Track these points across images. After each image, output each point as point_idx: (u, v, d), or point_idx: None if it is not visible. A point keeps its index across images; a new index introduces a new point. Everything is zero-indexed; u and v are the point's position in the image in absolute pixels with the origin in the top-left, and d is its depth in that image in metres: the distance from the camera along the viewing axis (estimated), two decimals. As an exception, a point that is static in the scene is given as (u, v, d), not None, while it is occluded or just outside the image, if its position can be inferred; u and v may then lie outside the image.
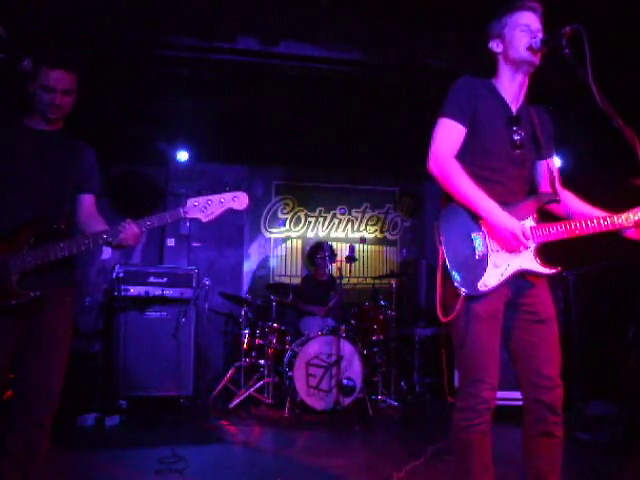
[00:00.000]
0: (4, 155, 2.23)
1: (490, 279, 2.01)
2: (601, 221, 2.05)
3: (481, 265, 2.03)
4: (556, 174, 2.23)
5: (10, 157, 2.23)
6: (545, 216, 2.16)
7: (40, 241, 2.16)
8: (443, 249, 2.06)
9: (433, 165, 2.08)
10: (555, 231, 2.06)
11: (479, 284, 2.00)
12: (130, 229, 2.20)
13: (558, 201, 2.16)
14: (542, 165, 2.26)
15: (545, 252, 2.11)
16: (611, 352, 4.65)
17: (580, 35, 1.87)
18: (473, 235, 2.07)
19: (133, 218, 2.23)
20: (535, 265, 2.06)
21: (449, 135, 2.10)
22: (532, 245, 2.06)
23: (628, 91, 4.21)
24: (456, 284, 2.01)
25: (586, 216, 2.09)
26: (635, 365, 4.25)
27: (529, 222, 2.08)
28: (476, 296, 2.00)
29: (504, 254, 2.05)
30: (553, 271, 2.07)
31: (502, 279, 2.02)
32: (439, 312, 2.07)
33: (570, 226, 2.05)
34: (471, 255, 2.05)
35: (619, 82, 4.08)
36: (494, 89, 2.17)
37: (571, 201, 2.23)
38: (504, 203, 2.05)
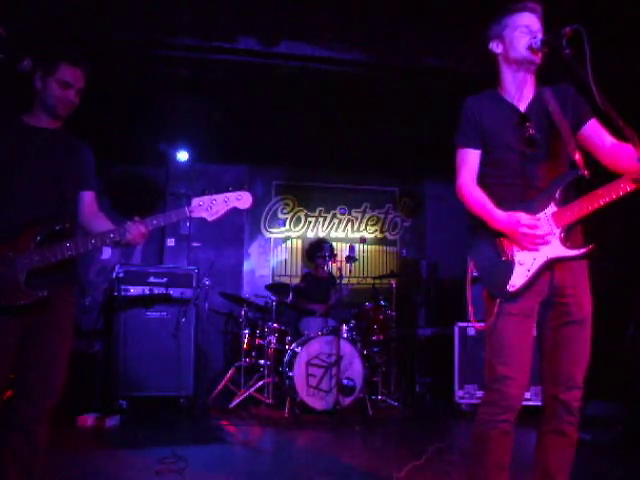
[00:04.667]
0: (5, 153, 2.23)
1: (517, 278, 2.04)
2: (620, 184, 1.95)
3: (509, 267, 2.06)
4: (600, 134, 2.12)
5: (11, 155, 2.24)
6: (572, 195, 2.08)
7: (46, 241, 2.16)
8: (473, 260, 2.16)
9: (458, 194, 2.22)
10: (577, 209, 2.02)
11: (508, 286, 2.03)
12: (137, 228, 2.21)
13: (582, 175, 2.04)
14: (583, 133, 2.15)
15: (575, 233, 2.09)
16: (611, 352, 4.65)
17: (580, 35, 1.87)
18: (497, 240, 2.11)
19: (133, 218, 2.24)
20: (562, 250, 2.03)
21: (464, 163, 2.21)
22: (557, 231, 2.04)
23: (628, 91, 4.21)
24: (490, 290, 2.09)
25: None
26: (635, 365, 4.25)
27: (550, 209, 2.06)
28: (508, 297, 2.04)
29: (527, 251, 2.06)
30: (583, 251, 2.03)
31: (529, 275, 2.03)
32: (471, 319, 2.17)
33: (590, 200, 2.00)
34: (498, 259, 2.09)
35: (619, 82, 4.08)
36: (498, 96, 2.19)
37: (626, 152, 2.02)
38: (531, 200, 2.08)
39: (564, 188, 2.07)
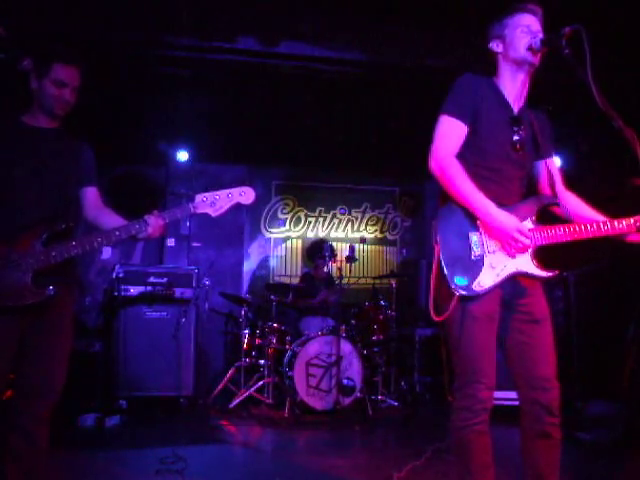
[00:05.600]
0: (5, 153, 2.23)
1: (485, 280, 2.01)
2: (601, 225, 2.04)
3: (477, 265, 2.02)
4: (557, 175, 2.22)
5: (12, 155, 2.24)
6: (545, 218, 2.15)
7: (50, 240, 2.16)
8: (439, 248, 2.05)
9: (434, 163, 2.06)
10: (554, 234, 2.05)
11: (474, 284, 2.00)
12: (157, 221, 2.23)
13: (558, 204, 2.14)
14: (541, 165, 2.25)
15: (546, 253, 2.11)
16: (611, 352, 4.65)
17: (580, 35, 1.87)
18: (470, 235, 2.06)
19: (133, 218, 2.24)
20: (532, 267, 2.05)
21: (450, 133, 2.09)
22: (528, 242, 2.04)
23: (628, 91, 4.21)
24: (451, 284, 2.01)
25: (587, 220, 2.09)
26: (635, 365, 4.25)
27: (527, 224, 2.07)
28: (471, 296, 2.00)
29: (501, 255, 2.04)
30: (550, 274, 2.06)
31: (498, 280, 2.02)
32: (432, 311, 2.07)
33: (569, 229, 2.05)
34: (467, 255, 2.04)
35: (619, 82, 4.08)
36: (496, 88, 2.17)
37: (573, 203, 2.21)
38: (501, 204, 2.03)
39: (540, 209, 2.10)
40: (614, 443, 3.86)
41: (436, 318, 2.04)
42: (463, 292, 2.00)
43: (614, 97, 1.92)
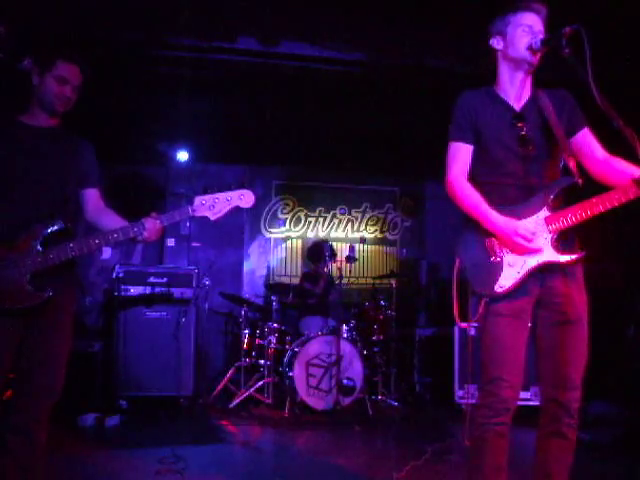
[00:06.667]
0: (4, 153, 2.23)
1: (505, 280, 2.04)
2: (612, 194, 1.96)
3: (497, 268, 2.06)
4: (594, 144, 2.13)
5: (10, 155, 2.23)
6: (565, 202, 2.09)
7: (48, 241, 2.16)
8: (460, 260, 2.14)
9: (447, 188, 2.19)
10: (571, 215, 2.02)
11: (496, 287, 2.03)
12: (155, 224, 2.22)
13: (578, 182, 2.05)
14: (577, 140, 2.15)
15: (567, 236, 2.07)
16: (611, 352, 4.65)
17: (580, 35, 1.87)
18: (487, 241, 2.10)
19: (133, 219, 2.24)
20: (554, 255, 2.03)
21: (457, 158, 2.19)
22: (548, 236, 2.04)
23: (628, 91, 4.21)
24: (477, 289, 2.07)
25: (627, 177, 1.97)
26: (635, 365, 4.25)
27: (543, 213, 2.06)
28: (495, 298, 2.04)
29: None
30: (574, 257, 2.03)
31: (518, 277, 2.03)
32: (456, 317, 2.13)
33: (583, 207, 2.00)
34: (487, 260, 2.09)
35: (619, 82, 4.08)
36: (494, 94, 2.19)
37: (618, 168, 2.06)
38: (523, 201, 2.08)
39: (557, 194, 2.07)
40: (614, 443, 3.87)
41: (462, 324, 2.09)
42: (486, 294, 2.05)
43: (614, 97, 1.92)
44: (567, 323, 2.05)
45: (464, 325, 2.10)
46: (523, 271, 2.03)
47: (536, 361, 2.13)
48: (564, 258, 2.03)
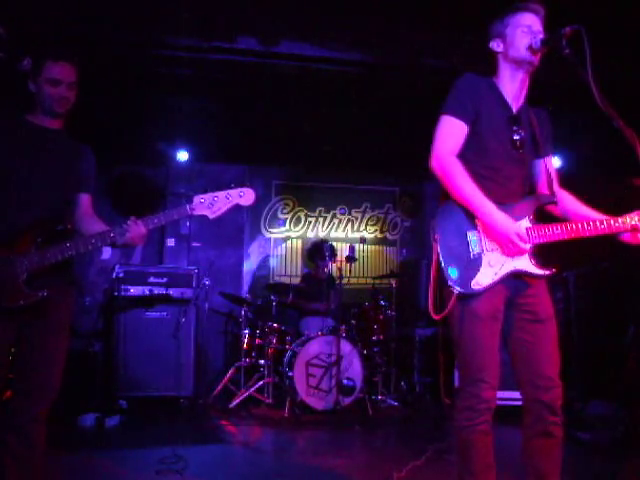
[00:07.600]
0: (7, 152, 2.23)
1: (483, 278, 2.02)
2: (598, 224, 2.04)
3: (475, 264, 2.03)
4: (554, 174, 2.23)
5: (13, 154, 2.23)
6: (542, 217, 2.15)
7: (46, 242, 2.16)
8: (438, 246, 2.06)
9: (435, 163, 2.08)
10: (551, 232, 2.05)
11: (472, 283, 2.01)
12: (136, 228, 2.18)
13: (556, 202, 2.15)
14: (540, 164, 2.25)
15: (544, 252, 2.11)
16: (611, 352, 4.65)
17: (580, 35, 1.87)
18: (469, 234, 2.06)
19: (134, 218, 2.23)
20: (529, 266, 2.06)
21: (451, 133, 2.10)
22: (527, 245, 2.04)
23: (628, 91, 4.21)
24: (449, 282, 2.02)
25: (583, 218, 2.09)
26: (635, 365, 4.25)
27: (525, 222, 2.08)
28: (468, 295, 2.01)
29: (499, 254, 2.05)
30: (547, 272, 2.06)
31: (496, 278, 2.02)
32: (431, 309, 2.06)
33: (566, 228, 2.05)
34: (466, 253, 2.05)
35: (619, 82, 4.08)
36: (495, 87, 2.18)
37: (569, 202, 2.22)
38: (501, 203, 2.04)
39: (538, 209, 2.10)
40: (614, 443, 3.87)
41: (435, 316, 2.05)
42: (461, 290, 2.00)
43: (614, 97, 1.92)
44: (537, 322, 2.08)
45: (437, 317, 2.02)
46: (501, 273, 2.03)
47: (512, 363, 2.13)
48: (538, 272, 2.06)
